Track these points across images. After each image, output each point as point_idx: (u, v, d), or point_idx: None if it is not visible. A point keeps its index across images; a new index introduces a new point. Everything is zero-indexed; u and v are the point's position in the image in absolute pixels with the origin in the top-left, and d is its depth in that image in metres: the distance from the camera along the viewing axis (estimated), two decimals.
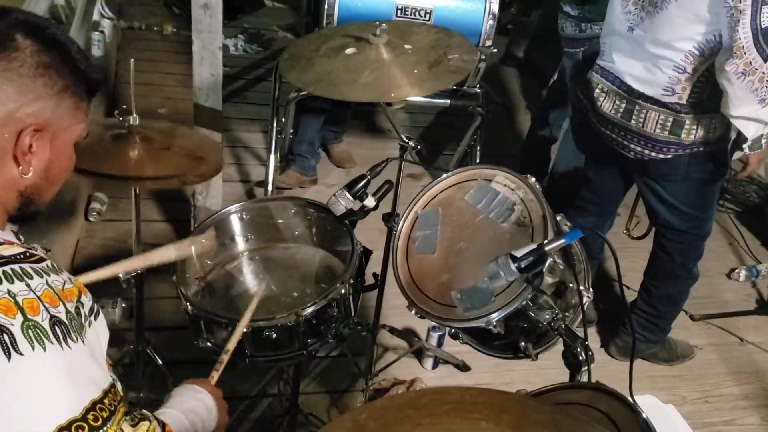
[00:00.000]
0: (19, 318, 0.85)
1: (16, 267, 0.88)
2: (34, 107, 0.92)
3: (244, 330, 1.53)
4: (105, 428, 0.92)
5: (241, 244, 1.86)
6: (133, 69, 1.61)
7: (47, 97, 0.93)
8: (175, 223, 2.88)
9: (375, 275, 1.79)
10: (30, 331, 0.85)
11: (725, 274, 3.10)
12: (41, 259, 0.93)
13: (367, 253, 1.75)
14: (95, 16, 3.84)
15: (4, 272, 0.86)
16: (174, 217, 2.91)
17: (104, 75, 3.64)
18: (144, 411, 1.03)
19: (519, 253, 1.31)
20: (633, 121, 2.03)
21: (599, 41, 2.18)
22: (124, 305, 2.40)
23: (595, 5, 2.58)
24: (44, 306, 0.88)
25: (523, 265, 1.31)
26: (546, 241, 1.32)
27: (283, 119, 3.02)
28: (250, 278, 1.84)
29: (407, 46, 1.64)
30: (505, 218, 1.50)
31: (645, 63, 1.97)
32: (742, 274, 3.05)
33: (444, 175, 1.60)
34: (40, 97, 0.93)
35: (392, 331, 2.31)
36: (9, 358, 0.84)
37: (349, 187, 1.71)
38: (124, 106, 1.67)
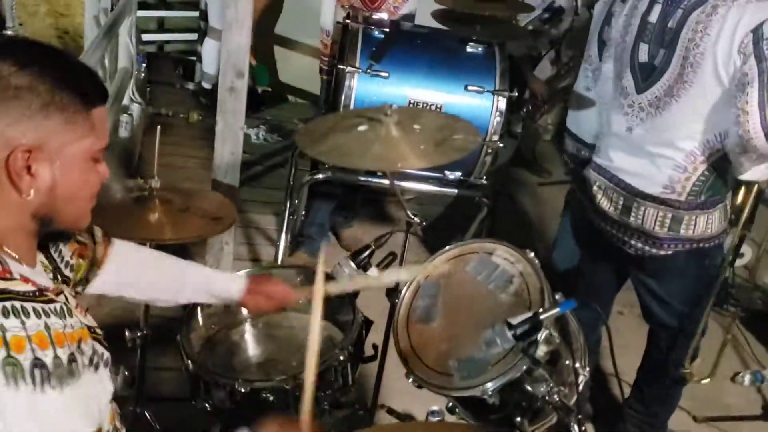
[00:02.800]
0: (2, 353, 0.86)
1: (17, 304, 0.90)
2: (24, 126, 0.91)
3: (242, 390, 1.55)
4: None
5: (244, 311, 1.89)
6: (159, 134, 1.72)
7: (38, 113, 0.91)
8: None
9: (374, 346, 1.82)
10: (8, 367, 0.86)
11: (729, 378, 3.06)
12: (51, 301, 0.96)
13: (367, 324, 1.78)
14: (125, 101, 4.05)
15: (3, 307, 0.88)
16: None
17: (129, 156, 3.81)
18: None
19: (515, 321, 1.35)
20: (632, 218, 2.03)
21: None
22: (126, 373, 2.41)
23: None
24: (32, 346, 0.88)
25: (518, 332, 1.34)
26: (542, 310, 1.36)
27: (296, 201, 3.12)
28: (251, 345, 1.87)
29: (416, 126, 1.74)
30: (503, 290, 1.54)
31: (644, 162, 1.98)
32: (747, 378, 3.01)
33: (447, 248, 1.66)
34: (29, 115, 0.91)
35: (390, 412, 2.29)
36: None
37: (354, 256, 1.76)
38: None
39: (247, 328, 1.89)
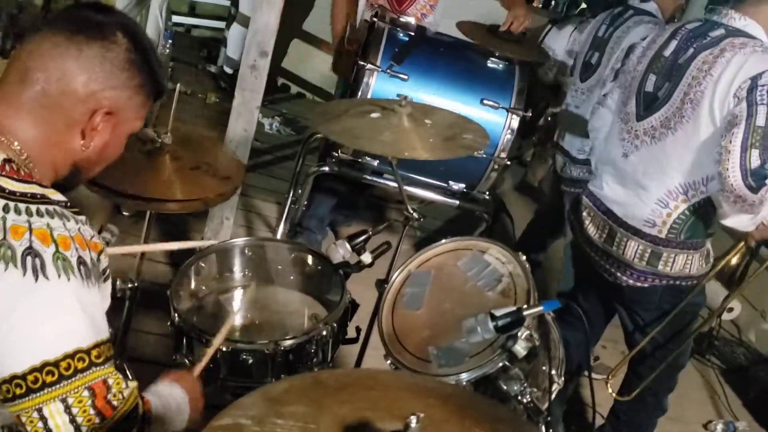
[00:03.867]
0: (52, 248, 0.96)
1: (59, 209, 1.00)
2: (114, 94, 1.07)
3: (223, 349, 1.57)
4: (103, 367, 1.00)
5: (237, 277, 1.92)
6: (178, 92, 1.76)
7: (126, 88, 1.09)
8: (176, 268, 2.94)
9: (357, 329, 1.84)
10: (59, 261, 0.96)
11: (702, 425, 3.07)
12: (79, 213, 1.05)
13: (354, 306, 1.80)
14: None
15: (47, 209, 0.99)
16: (177, 262, 2.98)
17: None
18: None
19: (498, 312, 1.38)
20: (614, 247, 2.07)
21: None
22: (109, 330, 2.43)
23: None
24: (75, 245, 0.99)
25: (500, 324, 1.37)
26: (525, 306, 1.39)
27: (300, 191, 3.15)
28: (238, 311, 1.89)
29: (427, 121, 1.78)
30: (491, 288, 1.58)
31: (630, 192, 2.03)
32: (719, 427, 3.02)
33: (443, 241, 1.69)
34: (121, 86, 1.08)
35: None
36: (36, 280, 0.94)
37: (350, 238, 1.80)
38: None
39: (237, 295, 1.91)
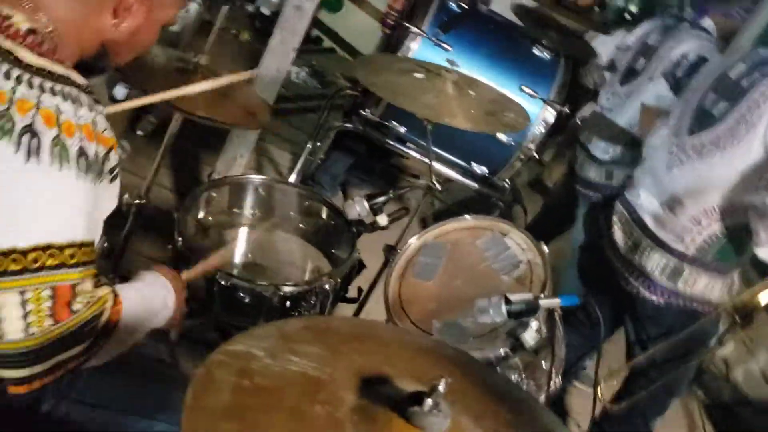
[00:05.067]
0: (53, 132, 0.89)
1: (74, 91, 0.93)
2: None
3: (221, 282, 1.52)
4: (75, 270, 0.93)
5: (246, 215, 1.87)
6: (222, 16, 1.68)
7: None
8: (183, 197, 2.89)
9: (359, 289, 1.79)
10: (57, 147, 0.89)
11: None
12: (97, 102, 0.97)
13: (360, 266, 1.75)
14: None
15: (62, 90, 0.91)
16: (184, 191, 2.92)
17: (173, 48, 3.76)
18: (104, 278, 1.03)
19: (514, 297, 1.32)
20: (636, 257, 2.04)
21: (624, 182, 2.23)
22: (105, 244, 2.38)
23: (632, 149, 2.65)
24: (80, 135, 0.91)
25: (513, 309, 1.31)
26: (542, 295, 1.34)
27: (318, 144, 3.09)
28: (241, 249, 1.85)
29: (471, 92, 1.71)
30: (507, 272, 1.53)
31: (665, 205, 1.99)
32: None
33: (465, 216, 1.63)
34: None
35: None
36: (27, 160, 0.87)
37: (369, 197, 1.74)
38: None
39: (242, 233, 1.86)
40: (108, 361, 1.06)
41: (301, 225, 1.89)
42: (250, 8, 5.01)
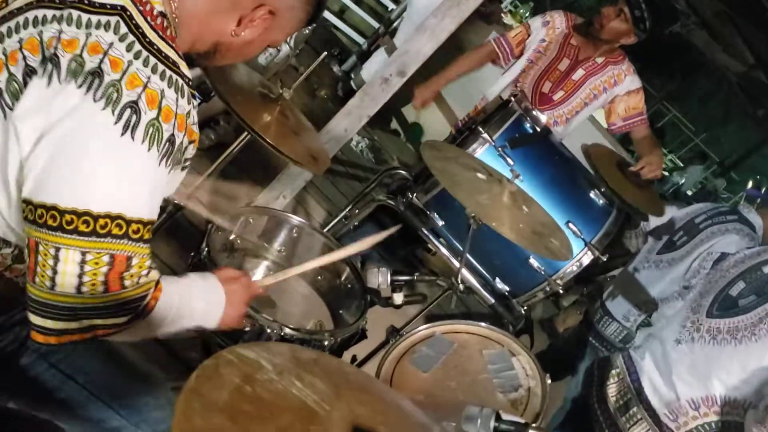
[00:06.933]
0: (153, 113, 0.93)
1: (180, 81, 0.98)
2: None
3: None
4: (135, 244, 0.97)
5: (273, 251, 1.88)
6: (322, 57, 1.76)
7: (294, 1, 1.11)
8: None
9: (354, 357, 1.76)
10: (152, 128, 0.93)
11: None
12: (194, 96, 1.02)
13: (361, 335, 1.73)
14: None
15: (170, 77, 0.96)
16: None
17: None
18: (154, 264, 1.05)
19: (506, 416, 1.29)
20: (623, 419, 1.97)
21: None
22: None
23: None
24: (175, 122, 0.96)
25: (501, 429, 1.27)
26: (534, 425, 1.30)
27: (357, 211, 3.12)
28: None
29: (525, 208, 1.74)
30: (505, 391, 1.50)
31: (667, 378, 1.94)
32: None
33: (480, 322, 1.62)
34: None
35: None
36: (122, 134, 0.92)
37: (394, 272, 1.74)
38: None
39: (262, 265, 1.86)
40: (104, 343, 1.07)
41: (318, 277, 1.89)
42: (336, 70, 5.19)
